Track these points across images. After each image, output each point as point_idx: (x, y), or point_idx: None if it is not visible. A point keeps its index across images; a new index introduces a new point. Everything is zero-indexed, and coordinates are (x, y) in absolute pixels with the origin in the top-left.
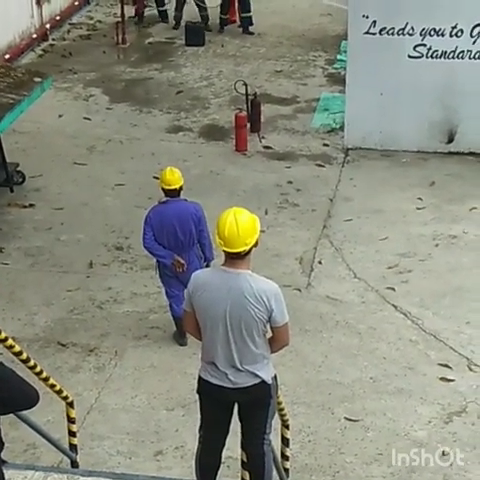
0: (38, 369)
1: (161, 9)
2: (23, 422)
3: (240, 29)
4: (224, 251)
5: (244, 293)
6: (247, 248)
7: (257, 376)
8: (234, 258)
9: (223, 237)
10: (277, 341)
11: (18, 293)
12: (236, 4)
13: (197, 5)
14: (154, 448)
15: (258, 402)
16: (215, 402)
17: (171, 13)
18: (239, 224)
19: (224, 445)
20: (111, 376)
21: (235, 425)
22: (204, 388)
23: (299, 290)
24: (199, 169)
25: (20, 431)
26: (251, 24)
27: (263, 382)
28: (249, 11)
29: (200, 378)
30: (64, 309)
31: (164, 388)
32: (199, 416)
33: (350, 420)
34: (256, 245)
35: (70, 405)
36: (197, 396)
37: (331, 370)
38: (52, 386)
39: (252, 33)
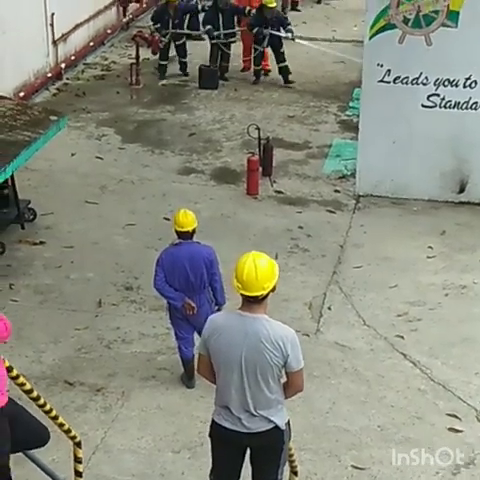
0: (48, 407)
1: (183, 60)
2: (30, 460)
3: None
4: (241, 294)
5: (261, 338)
6: (265, 292)
7: (271, 421)
8: (251, 302)
9: (241, 280)
10: (291, 386)
11: (26, 330)
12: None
13: (222, 52)
14: None
15: (271, 447)
16: (228, 446)
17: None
18: (258, 268)
19: None
20: (117, 416)
21: (245, 471)
22: (217, 432)
23: (308, 335)
24: (210, 212)
25: (26, 470)
26: (289, 73)
27: (277, 427)
28: (284, 60)
29: (213, 422)
30: (72, 347)
31: (170, 430)
32: (206, 460)
33: (357, 468)
34: (274, 290)
35: (78, 445)
36: (209, 439)
37: (338, 417)
38: (61, 425)
39: (292, 82)
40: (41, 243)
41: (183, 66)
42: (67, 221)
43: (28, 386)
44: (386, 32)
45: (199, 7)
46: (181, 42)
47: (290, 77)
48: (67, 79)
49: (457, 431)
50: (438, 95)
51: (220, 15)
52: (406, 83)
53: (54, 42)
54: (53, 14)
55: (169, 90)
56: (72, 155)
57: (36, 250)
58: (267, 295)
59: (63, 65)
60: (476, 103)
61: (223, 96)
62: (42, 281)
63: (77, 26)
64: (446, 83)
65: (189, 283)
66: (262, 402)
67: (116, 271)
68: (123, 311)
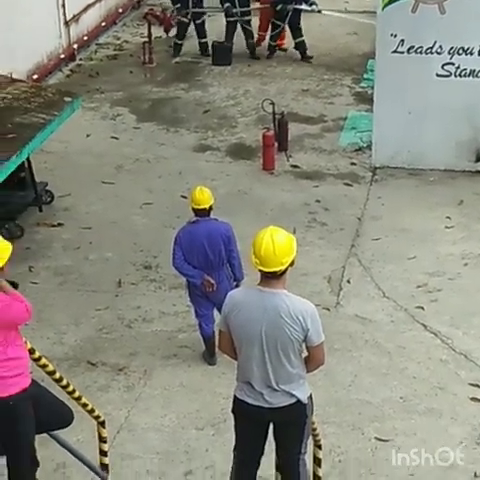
0: (70, 388)
1: (203, 41)
2: (54, 441)
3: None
4: (260, 270)
5: (280, 313)
6: (283, 268)
7: (293, 396)
8: (270, 278)
9: (259, 256)
10: (313, 361)
11: (47, 312)
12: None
13: (244, 30)
14: (184, 468)
15: (294, 422)
16: (251, 422)
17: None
18: (275, 243)
19: (259, 465)
20: (140, 395)
21: (268, 445)
22: (240, 408)
23: (328, 309)
24: (226, 188)
25: (50, 450)
26: (306, 49)
27: (299, 402)
28: (302, 35)
29: (235, 398)
30: (93, 328)
31: (193, 407)
32: (229, 436)
33: (380, 440)
34: (292, 265)
35: (102, 424)
36: (232, 415)
37: (361, 390)
38: (84, 405)
39: (311, 57)
40: (59, 225)
41: (203, 46)
42: (84, 202)
43: (50, 368)
44: (399, 2)
45: None
46: (201, 21)
47: (307, 52)
48: (80, 60)
49: (479, 400)
50: (453, 64)
51: None
52: (420, 53)
53: (66, 23)
54: None
55: (182, 68)
56: (87, 136)
57: (54, 232)
58: (286, 270)
59: (76, 46)
60: None
61: (236, 72)
62: (61, 263)
63: (88, 6)
64: (460, 51)
65: (208, 260)
66: (284, 377)
67: (135, 251)
68: (143, 290)
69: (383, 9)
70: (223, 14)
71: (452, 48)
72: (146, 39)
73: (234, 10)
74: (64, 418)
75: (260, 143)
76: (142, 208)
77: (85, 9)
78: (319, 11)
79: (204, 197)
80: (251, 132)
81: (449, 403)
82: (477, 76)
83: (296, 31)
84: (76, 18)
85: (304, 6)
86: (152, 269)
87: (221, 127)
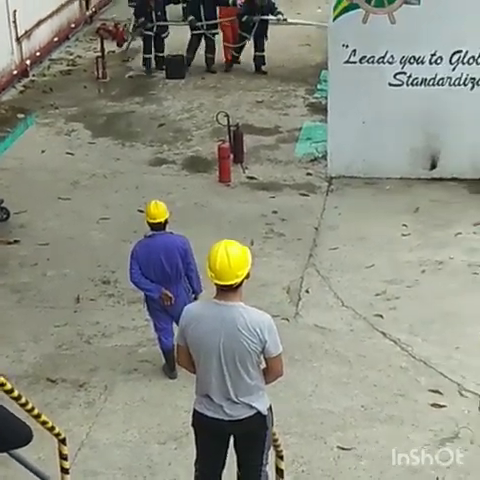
0: (29, 406)
1: (160, 55)
2: (14, 460)
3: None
4: (216, 284)
5: (237, 325)
6: (239, 280)
7: (253, 407)
8: (226, 290)
9: (214, 270)
10: (271, 372)
11: (5, 330)
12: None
13: (207, 43)
14: None
15: (254, 434)
16: (211, 435)
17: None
18: (230, 257)
19: (220, 478)
20: (102, 411)
21: (229, 458)
22: (200, 421)
23: (287, 320)
24: (183, 201)
25: (11, 469)
26: (264, 63)
27: (259, 413)
28: (263, 51)
29: (195, 411)
30: (52, 345)
31: (155, 422)
32: (191, 449)
33: (343, 449)
34: (248, 277)
35: (62, 442)
36: (192, 429)
37: (322, 399)
38: (44, 423)
39: (265, 72)
40: (16, 242)
41: (160, 60)
42: (41, 218)
43: (8, 386)
44: (349, 12)
45: None
46: (165, 35)
47: (263, 68)
48: (33, 76)
49: (440, 406)
50: (405, 73)
51: (202, 5)
52: (372, 62)
53: (18, 39)
54: (15, 11)
55: (136, 82)
56: (42, 152)
57: (11, 249)
58: (241, 282)
59: (28, 62)
60: (442, 79)
61: (190, 85)
62: (19, 280)
63: (40, 22)
64: (412, 60)
65: (165, 274)
66: (243, 389)
67: (92, 266)
68: (101, 305)
69: (334, 20)
70: (188, 27)
71: (403, 57)
72: (99, 54)
73: (199, 23)
74: (23, 436)
75: (216, 156)
76: (99, 223)
77: (37, 25)
78: (285, 20)
79: (159, 211)
80: (206, 145)
81: (410, 410)
82: (429, 84)
83: (260, 44)
84: (28, 34)
85: (270, 17)
86: (110, 284)
87: (176, 140)
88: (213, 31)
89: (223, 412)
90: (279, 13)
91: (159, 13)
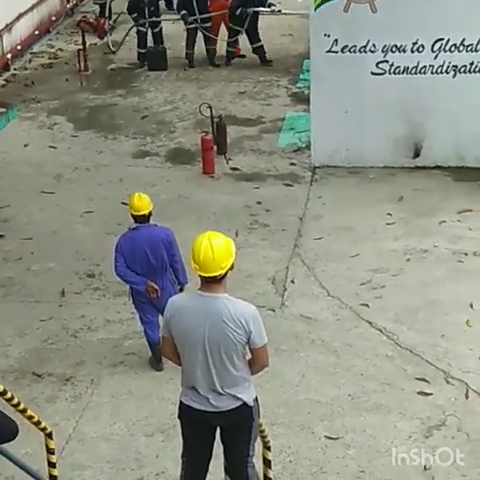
0: (15, 401)
1: (141, 51)
2: (1, 455)
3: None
4: (200, 276)
5: (222, 317)
6: (223, 272)
7: (239, 399)
8: (210, 282)
9: (198, 262)
10: (257, 363)
11: None
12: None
13: (204, 37)
14: (135, 475)
15: (240, 425)
16: (197, 426)
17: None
18: (214, 248)
19: (207, 469)
20: (88, 404)
21: (217, 449)
22: (186, 413)
23: (273, 310)
24: (167, 193)
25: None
26: (265, 52)
27: (245, 404)
28: (260, 40)
29: (182, 403)
30: (38, 339)
31: (142, 414)
32: (179, 441)
33: (330, 438)
34: (232, 268)
35: (49, 436)
36: (178, 421)
37: (309, 389)
38: (30, 418)
39: (270, 61)
40: (0, 236)
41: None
42: (25, 212)
43: None
44: (331, 2)
45: None
46: (157, 30)
47: (267, 56)
48: (14, 69)
49: (427, 394)
50: (387, 61)
51: None
52: (354, 52)
53: None
54: None
55: (118, 74)
56: (25, 146)
57: None
58: (226, 274)
59: (9, 55)
60: (425, 67)
61: (173, 77)
62: (3, 274)
63: (21, 15)
64: (394, 49)
65: (150, 266)
66: (228, 380)
67: (77, 259)
68: (87, 299)
69: (315, 10)
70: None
71: (385, 46)
72: (81, 47)
73: (192, 17)
74: (9, 432)
75: (199, 147)
76: (83, 216)
77: (17, 18)
78: (279, 11)
79: (143, 203)
80: (190, 136)
81: (397, 399)
82: (411, 73)
83: (254, 36)
84: (8, 27)
85: (263, 8)
86: (95, 277)
87: (160, 132)
88: (206, 24)
89: (209, 404)
90: (272, 4)
91: (152, 8)
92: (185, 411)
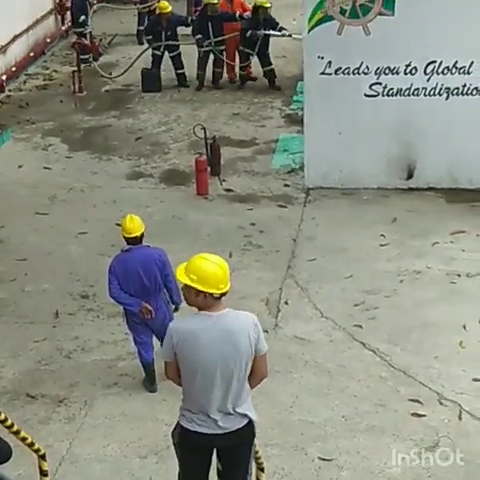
0: (9, 423)
1: (179, 72)
2: None
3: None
4: (209, 294)
5: (233, 332)
6: (228, 287)
7: (246, 417)
8: (216, 299)
9: (205, 281)
10: (257, 372)
11: None
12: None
13: (214, 59)
14: None
15: (245, 443)
16: (200, 451)
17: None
18: (220, 265)
19: None
20: (82, 426)
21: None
22: (190, 439)
23: (266, 331)
24: (161, 215)
25: None
26: (275, 77)
27: (250, 422)
28: (271, 64)
29: (185, 429)
30: (32, 360)
31: (136, 436)
32: (172, 462)
33: (324, 460)
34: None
35: (42, 458)
36: (175, 446)
37: (302, 410)
38: (23, 439)
39: (279, 88)
40: None
41: (181, 77)
42: (19, 233)
43: None
44: (324, 24)
45: (189, 20)
46: (176, 53)
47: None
48: (9, 91)
49: (420, 416)
50: (380, 83)
51: (210, 23)
52: (348, 74)
53: None
54: None
55: (113, 96)
56: (19, 167)
57: None
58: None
59: (4, 77)
60: (418, 89)
61: (167, 98)
62: None
63: (16, 37)
64: (387, 71)
65: (144, 287)
66: (241, 398)
67: (71, 280)
68: (81, 320)
69: (309, 32)
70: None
71: (378, 68)
72: (75, 68)
73: (207, 42)
74: (2, 453)
75: (193, 168)
76: (77, 237)
77: (12, 40)
78: (290, 35)
79: (134, 225)
80: (184, 158)
81: (390, 420)
82: (404, 95)
83: (265, 59)
84: (3, 49)
85: (273, 31)
86: (89, 298)
87: (154, 154)
88: (221, 47)
89: (217, 426)
90: (283, 28)
91: (169, 33)
92: (190, 437)
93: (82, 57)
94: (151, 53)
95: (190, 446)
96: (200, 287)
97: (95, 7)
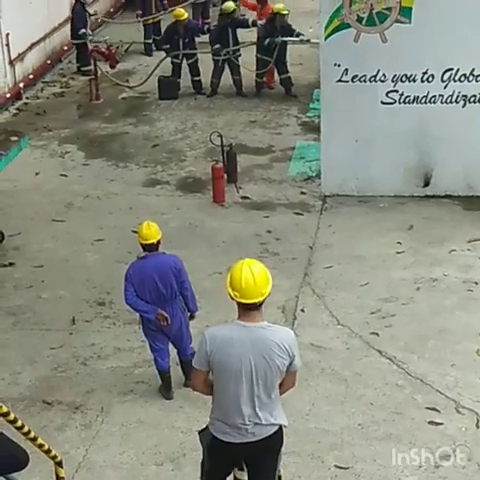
0: (26, 429)
1: (196, 79)
2: None
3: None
4: (240, 303)
5: (269, 345)
6: (263, 298)
7: (275, 424)
8: (250, 309)
9: (240, 289)
10: (287, 384)
11: (1, 352)
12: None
13: (232, 66)
14: None
15: (273, 447)
16: (229, 458)
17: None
18: (255, 274)
19: None
20: (98, 433)
21: None
22: (221, 448)
23: None
24: (178, 222)
25: None
26: (292, 84)
27: (279, 429)
28: (288, 72)
29: (217, 439)
30: (48, 367)
31: (152, 443)
32: (188, 470)
33: (340, 468)
34: (269, 295)
35: (59, 465)
36: (202, 445)
37: (319, 418)
38: (40, 446)
39: (295, 96)
40: (10, 264)
41: (197, 85)
42: (35, 240)
43: (4, 409)
44: (341, 32)
45: (205, 28)
46: (193, 60)
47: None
48: (27, 98)
49: (437, 424)
50: (397, 91)
51: (229, 30)
52: (364, 81)
53: (11, 62)
54: (8, 34)
55: (129, 103)
56: (36, 174)
57: (6, 272)
58: (264, 300)
59: (21, 84)
60: (434, 97)
61: (184, 105)
62: (14, 302)
63: (33, 45)
64: (404, 79)
65: (160, 294)
66: (268, 407)
67: (88, 287)
68: (97, 327)
69: (326, 39)
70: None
71: (395, 76)
72: (92, 76)
73: (224, 51)
74: (19, 460)
75: (209, 176)
76: (94, 245)
77: (30, 47)
78: (308, 41)
79: (151, 232)
80: (200, 165)
81: (407, 428)
82: (421, 102)
83: (282, 67)
84: (21, 57)
85: (291, 38)
86: (106, 305)
87: (170, 161)
88: (237, 54)
89: (250, 433)
90: (300, 34)
91: (187, 40)
92: (219, 446)
93: (83, 69)
94: (170, 61)
95: (220, 454)
96: (231, 293)
97: (93, 18)
